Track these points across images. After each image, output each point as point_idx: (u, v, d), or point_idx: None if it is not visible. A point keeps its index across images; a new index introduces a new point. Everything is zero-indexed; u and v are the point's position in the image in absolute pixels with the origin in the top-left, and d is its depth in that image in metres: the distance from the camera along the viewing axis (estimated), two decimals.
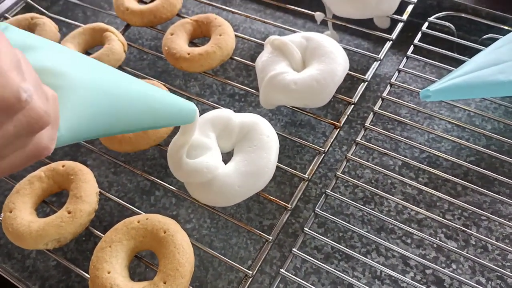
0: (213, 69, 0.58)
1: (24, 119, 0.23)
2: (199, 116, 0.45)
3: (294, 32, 0.57)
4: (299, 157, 0.54)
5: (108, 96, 0.31)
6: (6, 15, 0.67)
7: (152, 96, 0.34)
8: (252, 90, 0.55)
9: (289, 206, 0.45)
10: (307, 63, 0.51)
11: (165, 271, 0.39)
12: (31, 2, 0.69)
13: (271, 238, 0.43)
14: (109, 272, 0.39)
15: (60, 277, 0.48)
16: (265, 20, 0.62)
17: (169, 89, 0.53)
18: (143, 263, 0.44)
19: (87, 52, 0.60)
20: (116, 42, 0.56)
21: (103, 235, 0.42)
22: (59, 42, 0.60)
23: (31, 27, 0.61)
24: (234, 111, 0.51)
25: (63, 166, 0.47)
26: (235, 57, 0.57)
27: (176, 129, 0.52)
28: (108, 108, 0.31)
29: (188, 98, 0.60)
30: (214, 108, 0.54)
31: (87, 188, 0.45)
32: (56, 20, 0.65)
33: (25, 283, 0.45)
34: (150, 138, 0.48)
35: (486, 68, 0.49)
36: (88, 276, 0.41)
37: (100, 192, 0.47)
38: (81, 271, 0.43)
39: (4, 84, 0.22)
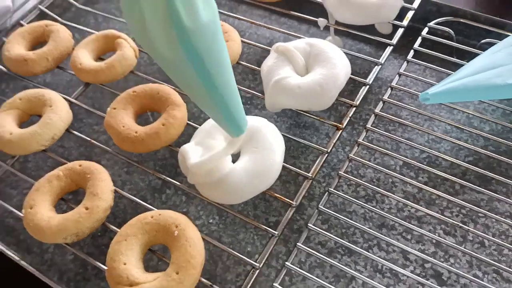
0: None
1: None
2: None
3: (298, 37, 0.60)
4: (303, 157, 0.57)
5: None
6: (21, 22, 0.70)
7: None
8: (258, 94, 0.57)
9: (294, 203, 0.47)
10: (310, 68, 0.54)
11: (177, 262, 0.41)
12: (45, 10, 0.72)
13: (276, 233, 0.45)
14: (125, 264, 0.41)
15: (77, 270, 0.51)
16: (270, 26, 0.65)
17: (178, 93, 0.55)
18: (156, 256, 0.46)
19: (100, 58, 0.62)
20: (128, 49, 0.59)
21: (118, 230, 0.45)
22: (73, 48, 0.63)
23: (46, 34, 0.64)
24: None
25: (80, 166, 0.49)
26: (242, 62, 0.60)
27: (185, 131, 0.54)
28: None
29: None
30: None
31: (103, 186, 0.47)
32: (68, 27, 0.68)
33: (45, 275, 0.47)
34: (162, 139, 0.51)
35: (484, 72, 0.51)
36: (104, 268, 0.44)
37: (115, 190, 0.50)
38: (98, 263, 0.46)
39: None
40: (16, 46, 0.61)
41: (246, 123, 0.42)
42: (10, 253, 0.49)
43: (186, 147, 0.47)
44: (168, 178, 0.51)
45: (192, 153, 0.47)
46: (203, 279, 0.43)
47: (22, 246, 0.54)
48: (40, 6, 0.71)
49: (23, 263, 0.48)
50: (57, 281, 0.49)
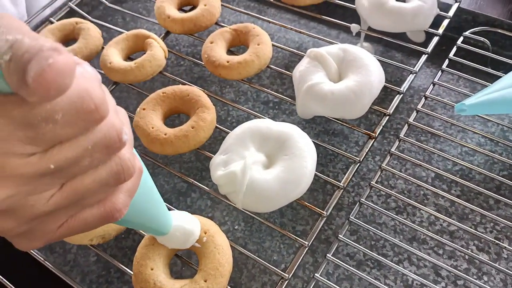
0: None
1: (115, 166, 0.22)
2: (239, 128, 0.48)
3: (329, 42, 0.59)
4: (332, 165, 0.56)
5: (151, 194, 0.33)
6: (51, 19, 0.70)
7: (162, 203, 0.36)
8: (287, 98, 0.56)
9: (325, 213, 0.46)
10: (344, 74, 0.53)
11: (206, 270, 0.40)
12: (74, 7, 0.72)
13: (307, 243, 0.44)
14: (152, 269, 0.41)
15: (100, 272, 0.50)
16: (300, 30, 0.64)
17: (207, 95, 0.55)
18: (181, 261, 0.46)
19: (129, 57, 0.62)
20: (158, 49, 0.58)
21: (145, 234, 0.44)
22: (102, 47, 0.63)
23: (76, 32, 0.64)
24: (268, 118, 0.53)
25: None
26: (271, 65, 0.59)
27: (213, 135, 0.54)
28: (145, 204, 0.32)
29: (223, 104, 0.62)
30: (250, 114, 0.56)
31: None
32: (97, 25, 0.67)
33: (68, 276, 0.47)
34: (191, 142, 0.50)
35: None
36: (128, 271, 0.43)
37: None
38: (122, 265, 0.45)
39: (112, 122, 0.21)
40: None
41: (170, 226, 0.38)
42: (34, 252, 0.49)
43: (213, 161, 0.48)
44: (195, 182, 0.50)
45: (218, 166, 0.47)
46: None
47: (45, 246, 0.53)
48: (70, 4, 0.71)
49: (47, 263, 0.48)
50: (79, 282, 0.48)
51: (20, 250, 0.24)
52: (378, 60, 0.56)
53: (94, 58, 0.63)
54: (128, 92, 0.66)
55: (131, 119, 0.54)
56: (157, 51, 0.58)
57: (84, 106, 0.20)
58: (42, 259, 0.47)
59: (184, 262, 0.45)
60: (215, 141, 0.58)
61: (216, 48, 0.58)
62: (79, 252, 0.52)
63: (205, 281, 0.40)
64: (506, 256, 0.47)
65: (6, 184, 0.20)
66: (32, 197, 0.21)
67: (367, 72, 0.51)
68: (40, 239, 0.23)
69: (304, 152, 0.46)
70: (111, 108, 0.22)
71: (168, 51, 0.63)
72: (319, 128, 0.59)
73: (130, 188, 0.25)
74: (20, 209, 0.21)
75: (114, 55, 0.58)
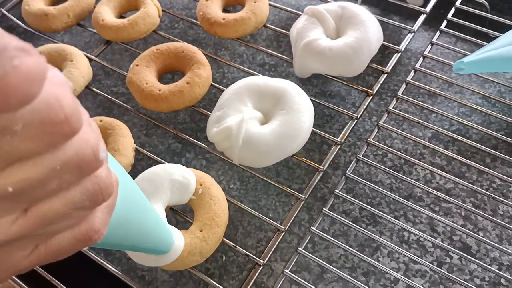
0: (244, 38, 0.59)
1: (91, 186, 0.19)
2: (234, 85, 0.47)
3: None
4: (329, 126, 0.55)
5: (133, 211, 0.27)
6: None
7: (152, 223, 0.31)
8: (284, 57, 0.55)
9: (321, 167, 0.46)
10: (342, 31, 0.52)
11: (202, 220, 0.40)
12: None
13: (303, 196, 0.44)
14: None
15: None
16: None
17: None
18: (178, 216, 0.45)
19: (121, 16, 0.60)
20: (151, 6, 0.57)
21: None
22: (94, 6, 0.61)
23: None
24: None
25: (100, 121, 0.48)
26: (268, 25, 0.58)
27: (208, 93, 0.53)
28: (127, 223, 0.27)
29: (219, 66, 0.61)
30: (246, 73, 0.55)
31: (125, 142, 0.46)
32: None
33: None
34: (186, 98, 0.49)
35: None
36: None
37: (136, 149, 0.48)
38: None
39: (86, 137, 0.18)
40: (37, 1, 0.60)
41: (170, 242, 0.35)
42: None
43: (209, 120, 0.47)
44: (191, 138, 0.50)
45: (213, 124, 0.46)
46: (226, 240, 0.42)
47: None
48: None
49: None
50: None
51: None
52: (378, 19, 0.55)
53: (85, 18, 0.61)
54: (120, 54, 0.65)
55: (124, 77, 0.53)
56: (151, 8, 0.57)
57: (51, 116, 0.16)
58: None
59: (181, 216, 0.45)
60: (210, 101, 0.57)
61: (211, 5, 0.56)
62: None
63: (201, 231, 0.39)
64: (501, 213, 0.47)
65: None
66: None
67: (366, 28, 0.50)
68: (7, 270, 0.20)
69: (302, 106, 0.46)
70: (85, 120, 0.18)
71: (164, 11, 0.62)
72: (316, 89, 0.58)
73: (109, 203, 0.21)
74: None
75: (106, 13, 0.57)
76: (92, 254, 0.44)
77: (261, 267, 0.41)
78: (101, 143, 0.19)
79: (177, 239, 0.37)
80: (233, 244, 0.42)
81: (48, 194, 0.18)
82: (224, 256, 0.47)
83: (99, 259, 0.44)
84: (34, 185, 0.17)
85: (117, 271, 0.43)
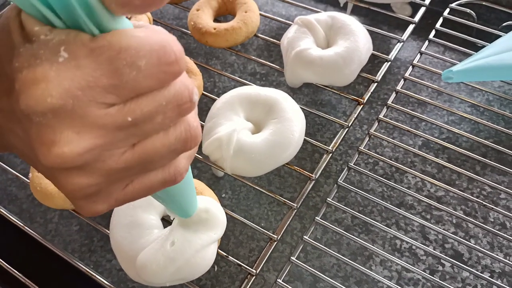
0: (235, 47, 0.59)
1: (184, 133, 0.22)
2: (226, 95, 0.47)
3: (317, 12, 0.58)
4: (320, 134, 0.55)
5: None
6: None
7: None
8: (276, 66, 0.56)
9: (313, 176, 0.46)
10: (332, 41, 0.52)
11: None
12: None
13: (295, 205, 0.44)
14: None
15: (82, 241, 0.49)
16: (288, 0, 0.63)
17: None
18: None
19: None
20: (143, 16, 0.57)
21: None
22: None
23: None
24: None
25: None
26: (258, 34, 0.58)
27: (200, 105, 0.52)
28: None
29: (211, 73, 0.61)
30: (237, 82, 0.55)
31: None
32: None
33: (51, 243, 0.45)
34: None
35: (509, 51, 0.50)
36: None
37: None
38: (105, 230, 0.44)
39: (184, 80, 0.21)
40: None
41: (195, 208, 0.37)
42: (14, 219, 0.47)
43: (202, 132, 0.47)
44: None
45: (205, 136, 0.46)
46: (218, 250, 0.42)
47: (25, 215, 0.52)
48: None
49: (27, 229, 0.46)
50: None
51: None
52: (368, 29, 0.55)
53: None
54: None
55: None
56: (142, 18, 0.56)
57: (166, 56, 0.19)
58: (22, 225, 0.46)
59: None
60: (201, 111, 0.57)
61: (202, 15, 0.57)
62: (61, 222, 0.51)
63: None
64: (492, 220, 0.48)
65: (86, 136, 0.19)
66: (106, 152, 0.20)
67: (356, 38, 0.50)
68: (105, 201, 0.22)
69: (293, 115, 0.46)
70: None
71: (156, 20, 0.62)
72: (307, 98, 0.59)
73: (191, 153, 0.25)
74: (93, 164, 0.20)
75: None
76: (82, 266, 0.43)
77: (254, 277, 0.41)
78: (195, 88, 0.21)
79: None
80: (225, 254, 0.42)
81: (154, 129, 0.20)
82: (216, 266, 0.46)
83: (89, 271, 0.43)
84: (146, 118, 0.20)
85: (107, 283, 0.42)
